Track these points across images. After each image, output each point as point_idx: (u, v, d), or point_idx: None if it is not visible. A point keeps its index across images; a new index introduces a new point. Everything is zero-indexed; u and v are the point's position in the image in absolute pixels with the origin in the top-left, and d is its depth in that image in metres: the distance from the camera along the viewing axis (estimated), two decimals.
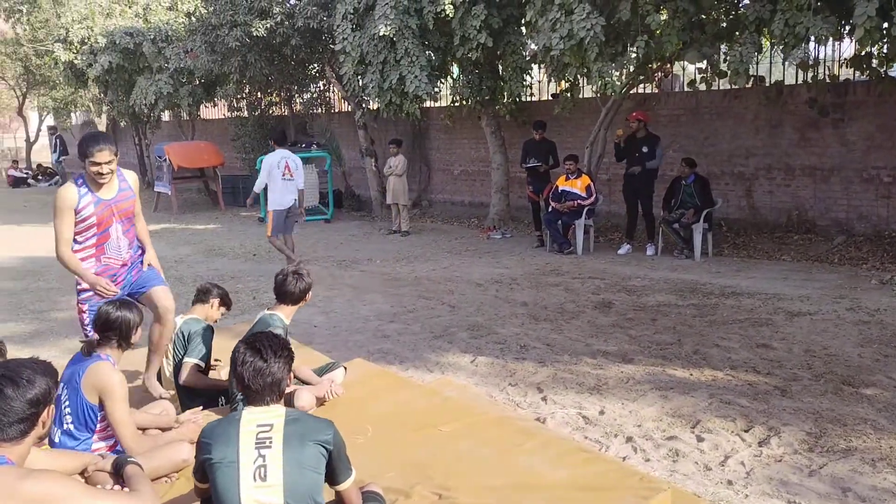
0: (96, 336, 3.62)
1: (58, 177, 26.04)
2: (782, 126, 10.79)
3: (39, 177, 26.60)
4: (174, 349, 4.65)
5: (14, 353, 4.45)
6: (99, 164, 4.27)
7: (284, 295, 4.30)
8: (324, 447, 2.71)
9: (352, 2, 12.06)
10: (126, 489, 2.69)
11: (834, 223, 10.35)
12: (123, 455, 3.01)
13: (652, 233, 10.46)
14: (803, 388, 5.16)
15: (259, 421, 2.71)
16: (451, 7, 10.81)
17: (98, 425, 3.49)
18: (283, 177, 9.38)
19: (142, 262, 4.67)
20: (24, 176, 26.23)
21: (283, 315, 4.29)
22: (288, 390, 4.09)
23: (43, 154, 31.95)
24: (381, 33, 11.33)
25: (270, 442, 2.66)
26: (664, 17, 8.87)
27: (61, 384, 3.55)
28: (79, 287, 4.56)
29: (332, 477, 2.81)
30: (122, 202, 4.53)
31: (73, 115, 28.91)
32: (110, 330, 3.60)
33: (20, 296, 9.00)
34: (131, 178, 4.71)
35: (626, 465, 3.63)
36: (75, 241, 4.43)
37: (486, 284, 8.71)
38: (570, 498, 3.12)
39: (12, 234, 14.59)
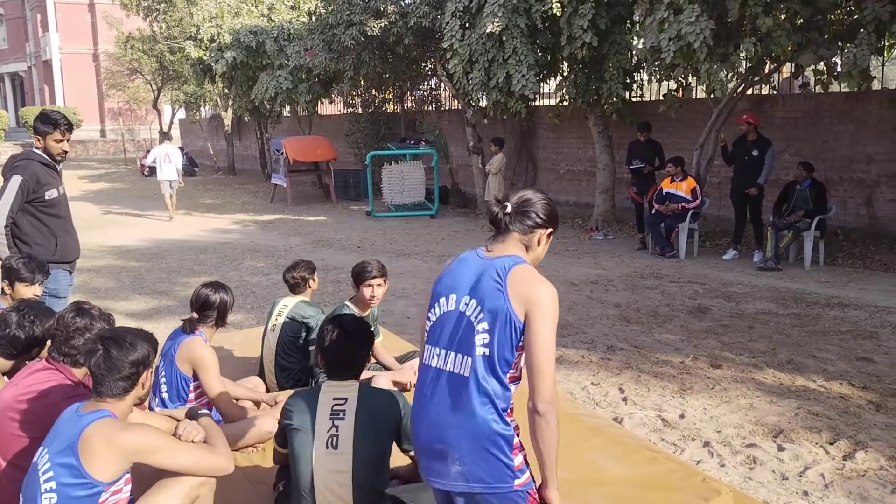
0: (196, 315, 3.93)
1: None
2: None
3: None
4: (283, 331, 4.81)
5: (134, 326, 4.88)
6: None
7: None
8: (393, 420, 2.91)
9: (462, 0, 12.27)
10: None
11: None
12: (196, 407, 3.29)
13: (760, 239, 10.14)
14: None
15: (336, 394, 2.93)
16: (559, 6, 10.83)
17: (190, 395, 3.81)
18: (165, 161, 15.58)
19: None
20: (156, 166, 27.86)
21: (355, 308, 4.51)
22: (367, 375, 4.34)
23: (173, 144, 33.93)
24: (488, 31, 11.48)
25: (344, 414, 2.88)
26: (777, 17, 8.58)
27: (160, 356, 3.90)
28: None
29: (403, 444, 3.01)
30: None
31: (202, 108, 30.56)
32: (209, 309, 3.90)
33: (144, 276, 9.71)
34: None
35: (690, 467, 3.63)
36: None
37: (580, 284, 8.72)
38: (631, 495, 3.18)
39: (140, 219, 15.68)
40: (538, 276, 2.45)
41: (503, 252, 2.52)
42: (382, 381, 4.36)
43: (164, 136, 17.79)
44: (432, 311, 2.58)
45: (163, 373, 3.83)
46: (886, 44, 9.03)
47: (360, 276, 4.52)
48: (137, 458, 2.59)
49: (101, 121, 43.06)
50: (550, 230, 2.59)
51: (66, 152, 4.97)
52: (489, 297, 2.42)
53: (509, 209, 2.54)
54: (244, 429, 3.79)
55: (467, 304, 2.47)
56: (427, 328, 2.59)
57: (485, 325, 2.40)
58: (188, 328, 3.87)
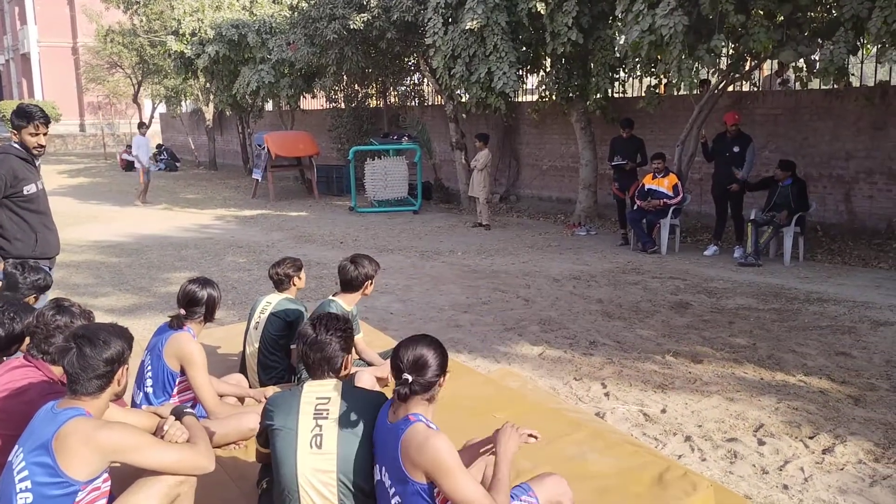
0: (183, 311, 3.90)
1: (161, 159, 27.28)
2: (887, 128, 10.32)
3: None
4: (266, 328, 4.77)
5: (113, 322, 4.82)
6: None
7: (344, 282, 4.50)
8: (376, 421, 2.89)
9: None
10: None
11: None
12: (181, 405, 3.27)
13: (740, 235, 10.21)
14: (879, 398, 5.01)
15: (318, 393, 2.91)
16: (543, 4, 10.84)
17: (175, 389, 3.78)
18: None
19: None
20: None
21: (343, 302, 4.48)
22: (351, 371, 4.31)
23: (154, 140, 33.69)
24: (467, 27, 11.48)
25: (327, 413, 2.85)
26: (755, 14, 8.64)
27: (146, 351, 3.87)
28: None
29: None
30: None
31: (182, 103, 30.33)
32: (197, 305, 3.87)
33: (124, 271, 9.62)
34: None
35: (671, 460, 3.65)
36: None
37: (563, 280, 8.74)
38: (612, 490, 3.19)
39: (120, 214, 15.54)
40: (426, 435, 2.60)
41: (405, 412, 2.70)
42: (365, 377, 4.35)
43: (141, 126, 18.92)
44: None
45: (149, 367, 3.80)
46: (865, 41, 9.10)
47: (375, 273, 4.57)
48: (116, 457, 2.56)
49: (80, 115, 42.63)
50: (447, 374, 2.81)
51: (42, 146, 4.89)
52: (392, 469, 2.65)
53: (411, 380, 2.68)
54: (228, 426, 3.77)
55: (382, 474, 2.73)
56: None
57: (398, 498, 2.64)
58: (176, 324, 3.84)
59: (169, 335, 3.79)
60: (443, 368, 2.77)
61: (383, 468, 2.72)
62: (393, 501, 2.65)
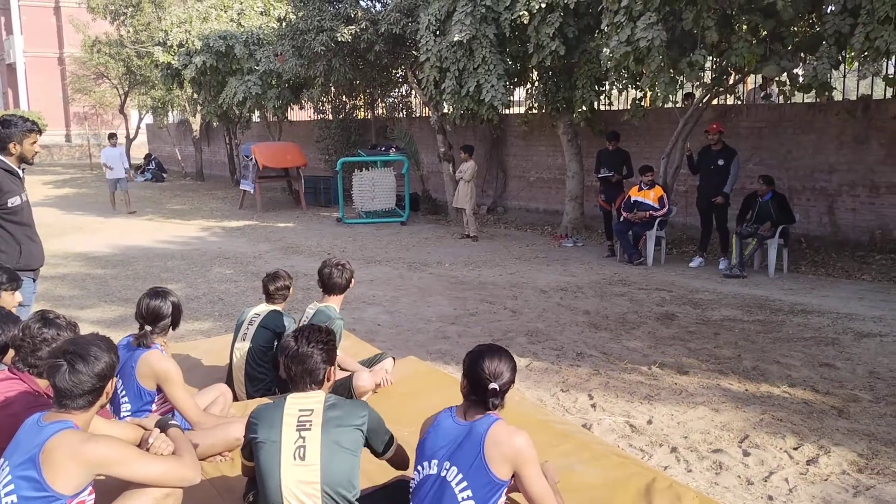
0: (149, 327, 3.84)
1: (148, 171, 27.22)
2: (868, 142, 10.45)
3: (134, 172, 27.87)
4: (254, 340, 4.78)
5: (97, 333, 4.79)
6: None
7: (333, 287, 4.53)
8: (359, 430, 2.91)
9: (434, 12, 12.31)
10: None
11: None
12: (165, 417, 3.25)
13: (725, 247, 10.29)
14: (862, 409, 5.06)
15: (301, 405, 2.92)
16: (527, 14, 10.92)
17: (153, 407, 3.75)
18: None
19: None
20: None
21: (336, 305, 4.52)
22: (344, 375, 4.34)
23: (141, 150, 33.59)
24: (455, 39, 11.53)
25: (310, 425, 2.86)
26: (739, 29, 8.75)
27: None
28: None
29: (375, 450, 3.04)
30: None
31: (169, 114, 30.26)
32: (163, 319, 3.83)
33: (109, 283, 9.58)
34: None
35: (657, 472, 3.67)
36: None
37: (550, 291, 8.77)
38: (599, 500, 3.20)
39: (105, 224, 15.46)
40: (511, 431, 2.77)
41: (477, 416, 2.84)
42: (364, 377, 4.38)
43: (111, 137, 18.95)
44: (416, 471, 2.90)
45: (122, 390, 3.73)
46: (847, 56, 9.23)
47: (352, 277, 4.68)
48: (101, 470, 2.55)
49: (66, 125, 42.43)
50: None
51: (37, 153, 4.94)
52: (470, 464, 2.75)
53: (498, 388, 2.81)
54: (214, 436, 3.75)
55: (448, 470, 2.78)
56: (412, 486, 2.91)
57: (469, 492, 2.73)
58: (144, 343, 3.78)
59: (138, 356, 3.73)
60: (514, 372, 2.92)
61: (445, 463, 2.79)
62: (461, 495, 2.73)
